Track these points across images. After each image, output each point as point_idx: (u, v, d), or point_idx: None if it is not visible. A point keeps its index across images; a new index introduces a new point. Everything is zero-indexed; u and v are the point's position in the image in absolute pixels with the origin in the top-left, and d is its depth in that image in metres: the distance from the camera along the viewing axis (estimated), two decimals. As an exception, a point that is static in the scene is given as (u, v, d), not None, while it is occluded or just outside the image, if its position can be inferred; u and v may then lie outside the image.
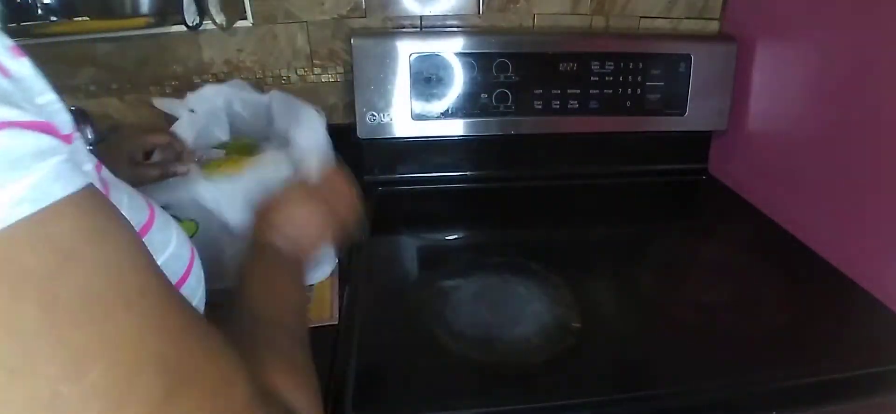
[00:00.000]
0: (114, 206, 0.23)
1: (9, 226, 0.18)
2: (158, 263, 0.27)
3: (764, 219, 0.86)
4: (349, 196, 0.56)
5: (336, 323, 0.61)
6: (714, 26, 0.97)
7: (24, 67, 0.22)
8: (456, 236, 0.86)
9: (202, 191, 0.59)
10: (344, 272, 0.70)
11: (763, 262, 0.76)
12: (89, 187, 0.21)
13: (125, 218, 0.24)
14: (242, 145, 0.73)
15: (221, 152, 0.69)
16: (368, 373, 0.53)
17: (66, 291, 0.19)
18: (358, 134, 0.88)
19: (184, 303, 0.25)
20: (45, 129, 0.20)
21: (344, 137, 0.86)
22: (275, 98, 0.75)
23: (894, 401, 0.53)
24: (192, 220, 0.59)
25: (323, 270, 0.67)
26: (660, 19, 0.96)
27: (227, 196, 0.59)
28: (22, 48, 0.23)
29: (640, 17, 0.95)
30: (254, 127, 0.78)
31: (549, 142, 0.94)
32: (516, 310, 0.63)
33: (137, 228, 0.29)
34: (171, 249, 0.33)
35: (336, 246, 0.53)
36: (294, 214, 0.50)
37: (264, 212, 0.50)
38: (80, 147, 0.25)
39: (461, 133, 0.90)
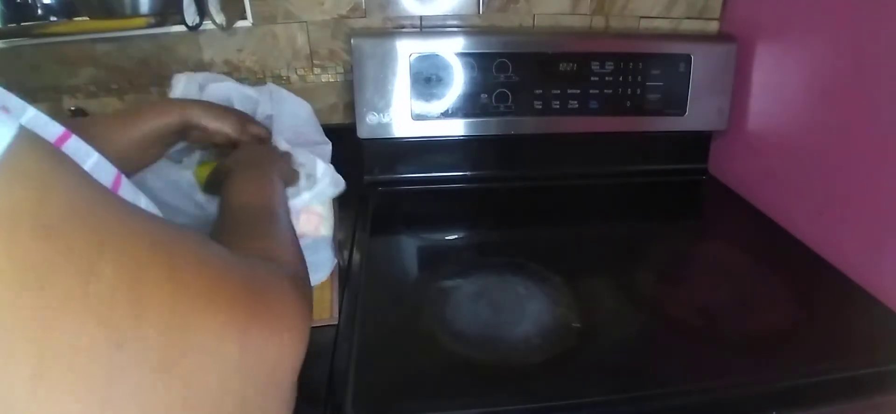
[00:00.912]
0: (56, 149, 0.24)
1: None
2: None
3: (764, 219, 0.86)
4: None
5: (336, 323, 0.61)
6: (714, 26, 0.97)
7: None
8: (456, 236, 0.86)
9: (198, 196, 0.59)
10: (344, 272, 0.70)
11: (763, 262, 0.76)
12: (24, 130, 0.21)
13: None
14: None
15: (208, 153, 0.69)
16: (368, 373, 0.53)
17: (55, 211, 0.20)
18: (358, 134, 0.88)
19: (168, 227, 0.27)
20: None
21: (344, 137, 0.86)
22: (268, 90, 0.78)
23: (894, 401, 0.53)
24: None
25: (323, 270, 0.68)
26: (660, 19, 0.96)
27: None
28: None
29: (640, 17, 0.95)
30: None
31: (549, 142, 0.94)
32: (516, 310, 0.63)
33: None
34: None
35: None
36: (240, 157, 0.56)
37: (215, 176, 0.55)
38: (73, 144, 0.26)
39: (461, 133, 0.90)
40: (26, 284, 0.19)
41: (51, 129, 0.27)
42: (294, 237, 0.44)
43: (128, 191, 0.31)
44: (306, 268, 0.40)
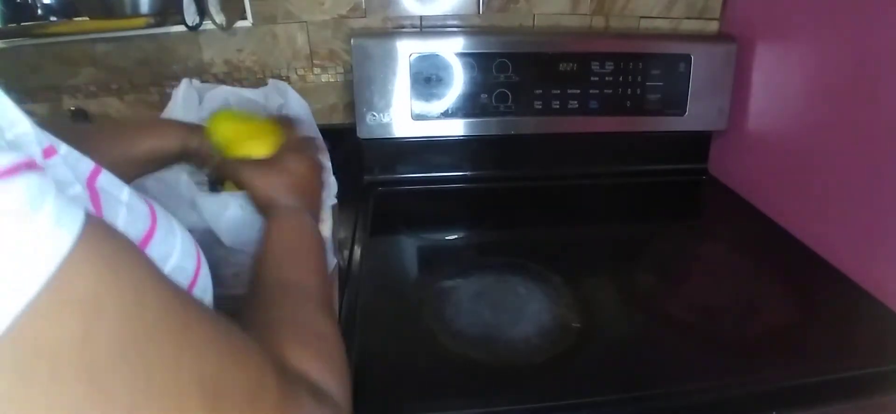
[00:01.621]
0: (110, 227, 0.22)
1: (30, 302, 0.17)
2: None
3: (764, 219, 0.86)
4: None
5: (336, 323, 0.61)
6: (714, 26, 0.97)
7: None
8: (456, 236, 0.86)
9: (198, 198, 0.59)
10: (344, 272, 0.70)
11: (763, 262, 0.76)
12: (87, 220, 0.19)
13: (125, 236, 0.23)
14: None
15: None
16: (368, 373, 0.53)
17: (101, 349, 0.19)
18: (358, 134, 0.88)
19: (202, 310, 0.25)
20: (29, 165, 0.19)
21: (344, 137, 0.86)
22: (274, 84, 0.79)
23: (894, 401, 0.53)
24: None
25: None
26: (660, 19, 0.96)
27: (225, 211, 0.57)
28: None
29: (640, 17, 0.95)
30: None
31: (549, 142, 0.94)
32: (516, 310, 0.63)
33: (137, 241, 0.28)
34: (174, 260, 0.31)
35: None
36: (291, 168, 0.51)
37: (261, 176, 0.50)
38: (58, 162, 0.24)
39: (461, 133, 0.90)
40: None
41: (83, 163, 0.26)
42: (339, 341, 0.39)
43: (108, 180, 0.29)
44: (348, 387, 0.37)
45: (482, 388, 0.53)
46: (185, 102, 0.72)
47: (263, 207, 0.49)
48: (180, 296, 0.24)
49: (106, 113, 0.91)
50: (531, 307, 0.64)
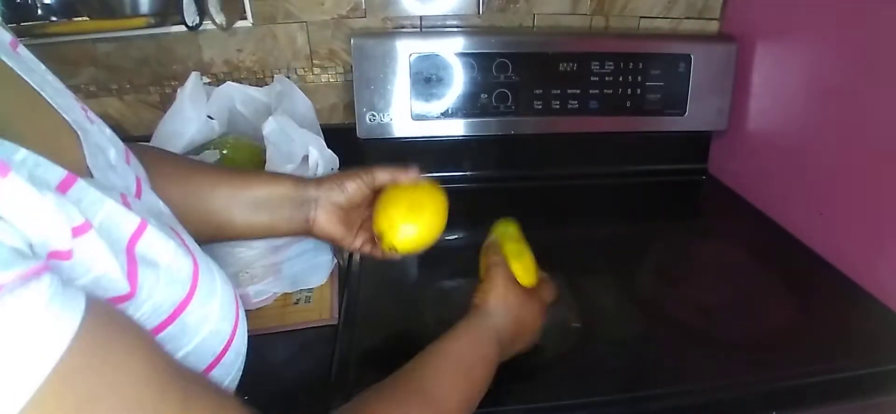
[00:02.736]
0: (115, 316, 0.22)
1: (22, 410, 0.17)
2: (189, 348, 0.27)
3: (764, 219, 0.86)
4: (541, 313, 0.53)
5: (336, 323, 0.61)
6: (714, 26, 0.97)
7: (8, 187, 0.19)
8: (456, 236, 0.86)
9: None
10: (343, 273, 0.70)
11: (763, 262, 0.76)
12: (86, 318, 0.19)
13: (132, 324, 0.23)
14: (242, 146, 0.73)
15: (216, 154, 0.69)
16: (368, 373, 0.53)
17: None
18: (358, 134, 0.88)
19: (204, 400, 0.25)
20: (37, 272, 0.19)
21: (344, 137, 0.86)
22: (279, 81, 0.80)
23: (894, 401, 0.53)
24: None
25: (323, 271, 0.68)
26: (660, 19, 0.96)
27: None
28: (6, 163, 0.19)
29: (640, 17, 0.95)
30: (253, 125, 0.78)
31: (549, 142, 0.94)
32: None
33: (170, 310, 0.27)
34: (210, 325, 0.30)
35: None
36: (531, 317, 0.50)
37: (508, 288, 0.49)
38: (89, 239, 0.23)
39: (461, 133, 0.90)
40: None
41: (126, 224, 0.26)
42: None
43: (153, 238, 0.28)
44: None
45: (482, 388, 0.53)
46: (193, 96, 0.72)
47: (475, 307, 0.49)
48: (182, 387, 0.23)
49: (106, 113, 0.91)
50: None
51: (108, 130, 0.34)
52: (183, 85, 0.73)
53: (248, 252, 0.62)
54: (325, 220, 0.52)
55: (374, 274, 0.70)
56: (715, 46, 0.92)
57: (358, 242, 0.55)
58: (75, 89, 0.99)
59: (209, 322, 0.30)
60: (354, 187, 0.53)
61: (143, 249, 0.27)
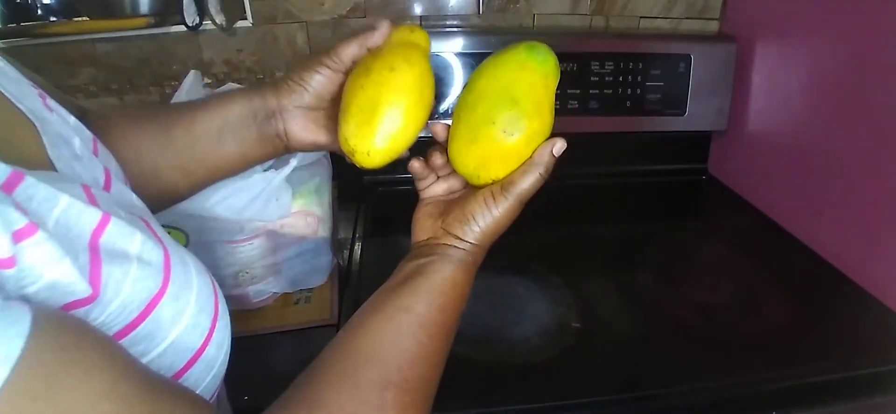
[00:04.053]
0: (70, 329, 0.20)
1: None
2: (163, 346, 0.26)
3: (764, 219, 0.86)
4: None
5: (336, 323, 0.62)
6: (714, 26, 0.97)
7: None
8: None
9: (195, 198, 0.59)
10: (344, 273, 0.70)
11: (763, 262, 0.76)
12: (30, 338, 0.18)
13: (90, 336, 0.21)
14: None
15: None
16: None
17: None
18: (358, 134, 0.87)
19: (173, 402, 0.24)
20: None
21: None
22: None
23: (894, 401, 0.53)
24: (180, 230, 0.58)
25: (322, 271, 0.67)
26: (660, 19, 0.96)
27: (222, 203, 0.57)
28: None
29: (640, 17, 0.95)
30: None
31: (549, 142, 0.94)
32: (516, 310, 0.63)
33: (141, 307, 0.26)
34: (187, 319, 0.28)
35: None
36: (501, 214, 0.43)
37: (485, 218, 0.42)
38: (37, 241, 0.21)
39: (461, 133, 0.90)
40: None
41: (86, 218, 0.24)
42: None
43: (117, 231, 0.26)
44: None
45: (482, 388, 0.53)
46: (191, 94, 0.72)
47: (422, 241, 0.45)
48: (150, 402, 0.22)
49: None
50: (531, 307, 0.64)
51: (72, 119, 0.32)
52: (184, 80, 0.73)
53: (249, 252, 0.62)
54: (300, 128, 0.45)
55: (374, 274, 0.70)
56: (715, 46, 0.92)
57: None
58: (75, 89, 0.99)
59: (185, 315, 0.28)
60: (320, 80, 0.44)
61: (108, 242, 0.25)
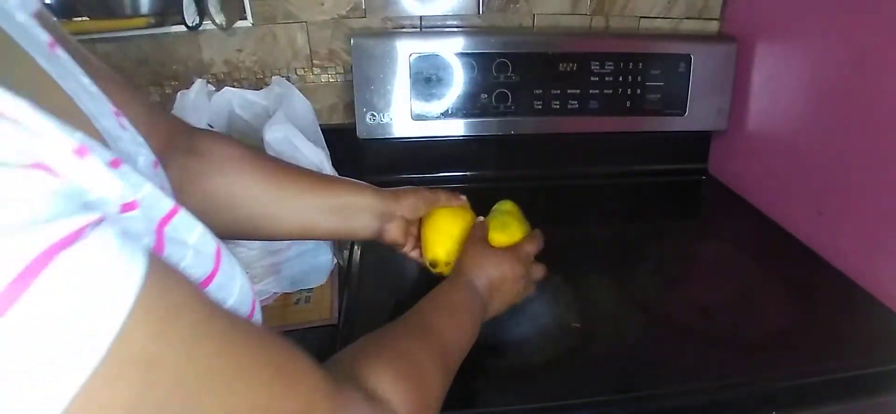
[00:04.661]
0: (171, 271, 0.22)
1: (98, 366, 0.17)
2: None
3: (764, 219, 0.86)
4: (538, 270, 0.57)
5: (336, 323, 0.61)
6: (714, 26, 0.97)
7: (88, 165, 0.21)
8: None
9: None
10: (343, 273, 0.70)
11: (763, 262, 0.76)
12: (148, 271, 0.20)
13: (184, 279, 0.23)
14: None
15: None
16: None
17: (160, 401, 0.19)
18: (358, 134, 0.88)
19: (258, 337, 0.26)
20: (94, 224, 0.19)
21: (344, 137, 0.86)
22: (276, 82, 0.80)
23: (894, 401, 0.53)
24: None
25: (323, 271, 0.68)
26: (660, 19, 0.96)
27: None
28: (87, 147, 0.21)
29: (640, 17, 0.95)
30: (253, 127, 0.78)
31: (549, 142, 0.94)
32: (516, 310, 0.63)
33: (196, 283, 0.28)
34: (230, 304, 0.31)
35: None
36: (507, 273, 0.52)
37: (480, 253, 0.53)
38: (133, 217, 0.24)
39: (461, 133, 0.90)
40: None
41: (160, 205, 0.26)
42: (439, 394, 0.40)
43: (181, 222, 0.28)
44: None
45: (482, 388, 0.53)
46: (195, 104, 0.72)
47: (455, 272, 0.52)
48: (236, 329, 0.24)
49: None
50: (531, 307, 0.64)
51: (140, 138, 0.34)
52: (183, 86, 0.73)
53: (248, 252, 0.62)
54: (396, 230, 0.57)
55: (374, 274, 0.70)
56: (715, 46, 0.92)
57: (415, 252, 0.60)
58: (75, 89, 0.97)
59: (229, 302, 0.31)
60: (422, 206, 0.58)
61: (172, 230, 0.27)
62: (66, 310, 0.17)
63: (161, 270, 0.21)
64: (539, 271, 0.57)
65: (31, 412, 0.16)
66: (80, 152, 0.20)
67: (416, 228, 0.60)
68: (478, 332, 0.48)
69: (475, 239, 0.55)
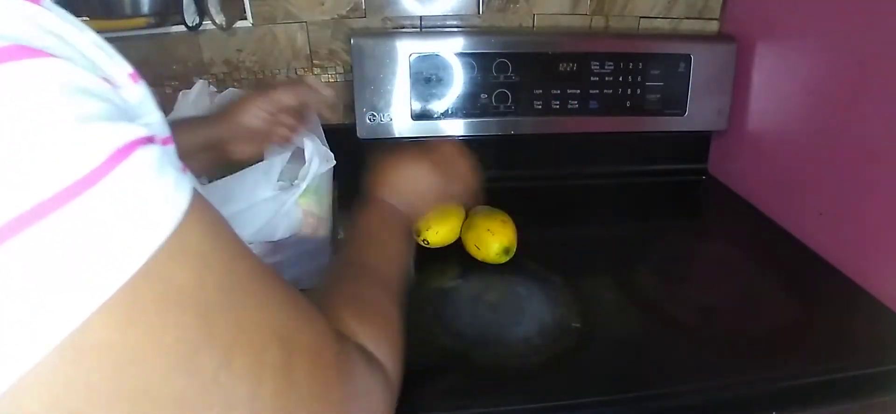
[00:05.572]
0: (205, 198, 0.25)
1: (161, 246, 0.20)
2: None
3: (764, 219, 0.86)
4: (464, 166, 0.58)
5: (336, 323, 0.61)
6: (714, 26, 0.97)
7: (139, 91, 0.24)
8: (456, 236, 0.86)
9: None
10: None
11: (763, 262, 0.76)
12: (195, 190, 0.23)
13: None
14: None
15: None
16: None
17: (211, 293, 0.22)
18: (358, 134, 0.88)
19: (277, 276, 0.28)
20: (165, 142, 0.23)
21: (344, 137, 0.86)
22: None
23: (894, 401, 0.53)
24: None
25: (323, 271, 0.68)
26: (660, 19, 0.96)
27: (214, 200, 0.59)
28: (139, 74, 0.24)
29: (640, 17, 0.95)
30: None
31: (549, 142, 0.94)
32: (516, 310, 0.63)
33: None
34: None
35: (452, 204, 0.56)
36: (410, 174, 0.52)
37: (381, 169, 0.52)
38: (171, 150, 0.26)
39: (461, 133, 0.90)
40: (178, 366, 0.20)
41: (162, 133, 0.28)
42: (399, 326, 0.41)
43: None
44: (401, 367, 0.38)
45: (482, 388, 0.53)
46: (197, 104, 0.72)
47: (367, 199, 0.51)
48: (259, 263, 0.27)
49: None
50: (531, 307, 0.64)
51: None
52: (183, 86, 0.73)
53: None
54: (243, 147, 0.60)
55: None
56: (715, 46, 0.92)
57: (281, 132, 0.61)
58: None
59: None
60: (260, 107, 0.59)
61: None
62: (135, 197, 0.19)
63: (200, 193, 0.23)
64: (450, 148, 0.57)
65: (106, 270, 0.18)
66: (134, 78, 0.24)
67: (284, 116, 0.61)
68: (412, 239, 0.50)
69: (376, 161, 0.54)
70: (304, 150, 0.65)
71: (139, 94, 0.24)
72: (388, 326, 0.39)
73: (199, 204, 0.22)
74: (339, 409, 0.28)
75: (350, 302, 0.37)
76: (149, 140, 0.21)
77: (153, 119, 0.24)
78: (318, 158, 0.64)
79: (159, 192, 0.20)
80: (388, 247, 0.46)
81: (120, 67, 0.23)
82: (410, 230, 0.51)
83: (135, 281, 0.19)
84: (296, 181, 0.63)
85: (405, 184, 0.52)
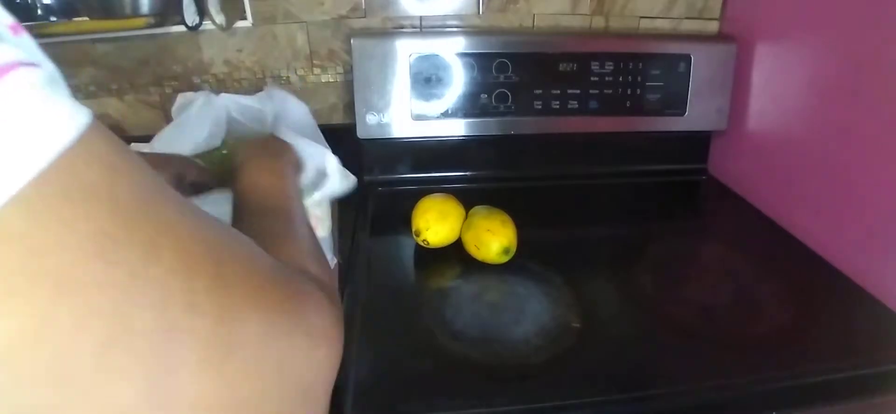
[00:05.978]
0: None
1: (67, 147, 0.20)
2: None
3: (764, 219, 0.86)
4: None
5: (336, 323, 0.61)
6: (714, 26, 0.97)
7: (24, 41, 0.24)
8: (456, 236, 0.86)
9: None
10: (344, 272, 0.70)
11: (763, 262, 0.76)
12: (94, 119, 0.22)
13: None
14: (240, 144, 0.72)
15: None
16: (368, 373, 0.53)
17: (124, 196, 0.21)
18: (358, 134, 0.88)
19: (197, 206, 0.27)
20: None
21: (344, 137, 0.86)
22: (268, 94, 0.78)
23: (894, 401, 0.53)
24: None
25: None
26: (660, 19, 0.96)
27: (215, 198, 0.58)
28: (21, 25, 0.24)
29: (640, 17, 0.95)
30: (253, 130, 0.78)
31: (549, 142, 0.94)
32: (516, 310, 0.63)
33: None
34: None
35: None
36: (252, 145, 0.53)
37: (224, 166, 0.53)
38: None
39: (461, 133, 0.90)
40: (98, 254, 0.20)
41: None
42: (316, 243, 0.42)
43: None
44: (335, 281, 0.38)
45: (482, 388, 0.53)
46: (199, 116, 0.72)
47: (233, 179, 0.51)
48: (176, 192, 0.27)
49: (106, 113, 0.91)
50: (531, 307, 0.64)
51: None
52: (183, 86, 0.73)
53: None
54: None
55: (375, 274, 0.70)
56: (715, 46, 0.92)
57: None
58: (75, 89, 0.99)
59: None
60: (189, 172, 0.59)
61: None
62: (29, 108, 0.20)
63: (106, 131, 0.23)
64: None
65: (13, 166, 0.18)
66: (15, 29, 0.23)
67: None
68: (290, 172, 0.52)
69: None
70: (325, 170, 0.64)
71: (25, 43, 0.24)
72: (316, 249, 0.40)
73: (102, 127, 0.22)
74: (281, 309, 0.27)
75: (265, 235, 0.37)
76: (34, 65, 0.21)
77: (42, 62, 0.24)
78: (339, 181, 0.63)
79: (59, 102, 0.21)
80: (279, 177, 0.48)
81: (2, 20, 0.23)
82: (277, 167, 0.51)
83: (44, 175, 0.19)
84: (305, 184, 0.62)
85: (243, 152, 0.52)
